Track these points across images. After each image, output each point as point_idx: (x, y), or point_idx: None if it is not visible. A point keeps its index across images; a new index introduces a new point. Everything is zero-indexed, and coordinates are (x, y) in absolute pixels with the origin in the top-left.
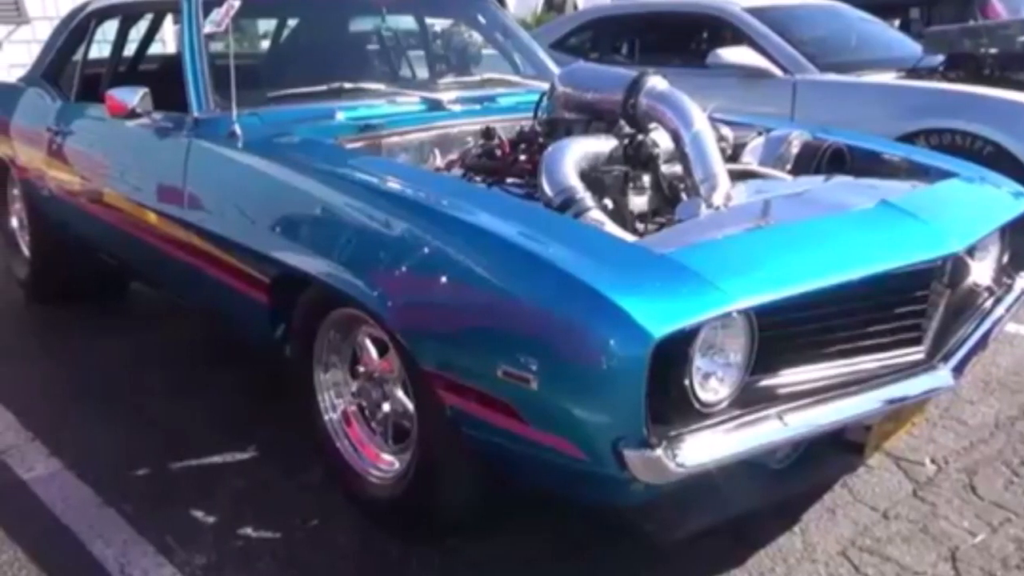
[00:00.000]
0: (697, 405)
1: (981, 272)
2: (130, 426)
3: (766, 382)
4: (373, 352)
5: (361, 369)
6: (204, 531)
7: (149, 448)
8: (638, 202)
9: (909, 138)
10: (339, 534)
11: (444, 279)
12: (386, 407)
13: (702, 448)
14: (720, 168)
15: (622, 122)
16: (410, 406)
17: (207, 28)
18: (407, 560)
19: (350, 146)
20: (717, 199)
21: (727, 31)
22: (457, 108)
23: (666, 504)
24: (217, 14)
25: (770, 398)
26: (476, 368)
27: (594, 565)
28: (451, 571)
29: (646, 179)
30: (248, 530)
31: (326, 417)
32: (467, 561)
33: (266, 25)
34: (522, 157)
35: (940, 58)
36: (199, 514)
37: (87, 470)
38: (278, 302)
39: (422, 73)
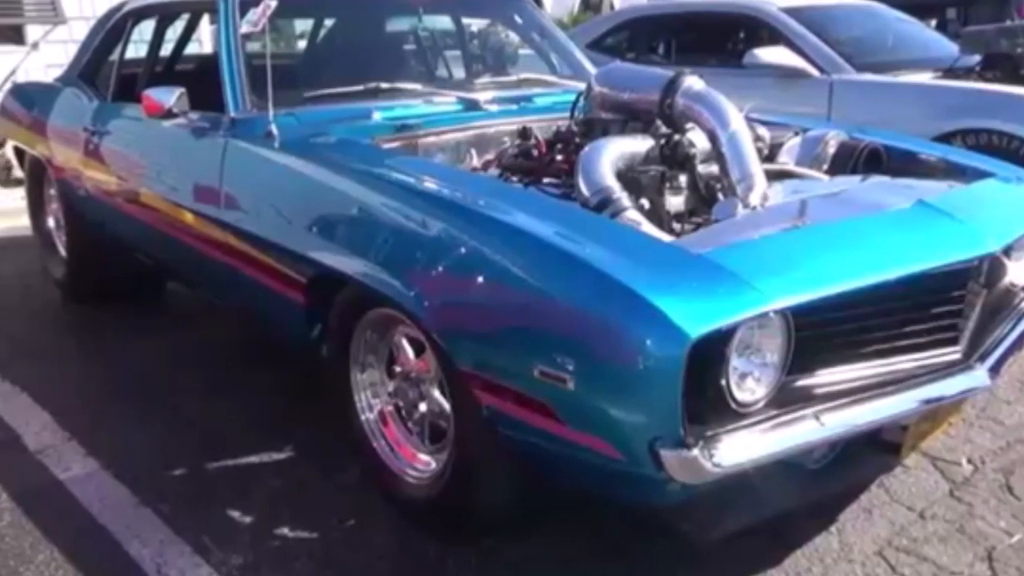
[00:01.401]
0: (734, 405)
1: (1018, 272)
2: (167, 426)
3: (803, 382)
4: (410, 352)
5: (398, 369)
6: (241, 531)
7: (186, 448)
8: (674, 202)
9: (946, 138)
10: (376, 534)
11: (481, 279)
12: (423, 407)
13: (738, 448)
14: (757, 168)
15: (659, 122)
16: (447, 406)
17: (244, 28)
18: (444, 560)
19: (386, 146)
20: (754, 199)
21: (764, 31)
22: (493, 108)
23: (703, 504)
24: (254, 14)
25: (807, 398)
26: (513, 368)
27: (631, 565)
28: (488, 571)
29: (683, 179)
30: (285, 530)
31: (363, 417)
32: (504, 561)
33: (303, 25)
34: (559, 157)
35: (977, 58)
36: (236, 514)
37: (124, 470)
38: (315, 302)
39: (459, 73)
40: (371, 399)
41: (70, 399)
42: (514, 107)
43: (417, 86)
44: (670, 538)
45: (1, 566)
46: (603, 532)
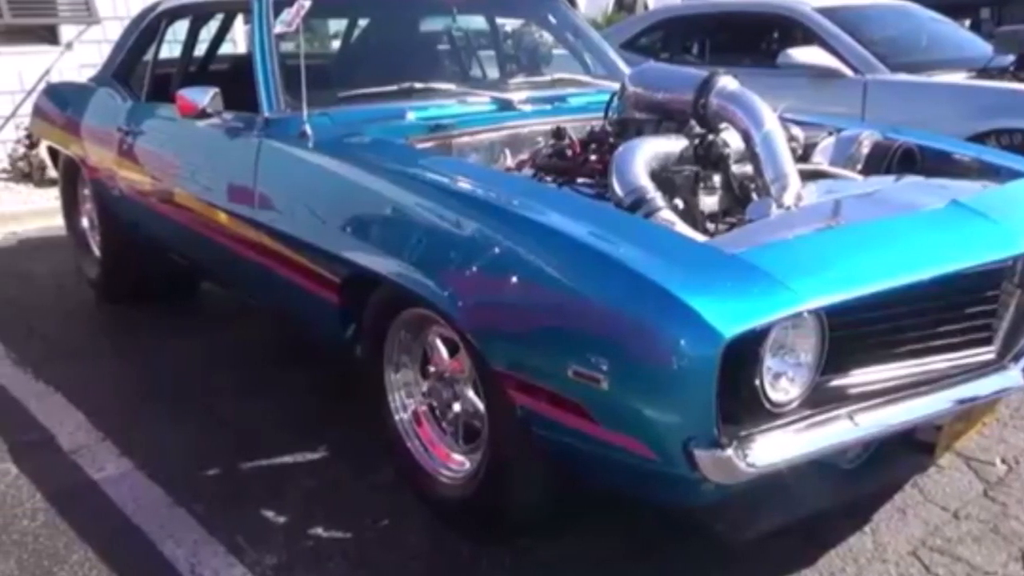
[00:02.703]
0: (768, 405)
1: None
2: (201, 426)
3: (837, 382)
4: (444, 352)
5: (432, 369)
6: (275, 531)
7: (220, 448)
8: (708, 202)
9: (980, 138)
10: (409, 534)
11: (515, 279)
12: (456, 407)
13: (773, 448)
14: (791, 168)
15: (693, 122)
16: (481, 406)
17: (278, 28)
18: (477, 560)
19: (420, 146)
20: (788, 199)
21: (798, 31)
22: (527, 108)
23: (736, 504)
24: (288, 14)
25: (841, 398)
26: (547, 368)
27: (665, 565)
28: (522, 571)
29: (716, 179)
30: (319, 530)
31: (396, 417)
32: (538, 561)
33: (337, 25)
34: (592, 157)
35: (1011, 58)
36: (270, 514)
37: (158, 470)
38: (348, 302)
39: (492, 73)
40: (405, 399)
41: (104, 399)
42: (548, 107)
43: (451, 86)
44: (703, 538)
45: (35, 566)
46: (637, 532)
